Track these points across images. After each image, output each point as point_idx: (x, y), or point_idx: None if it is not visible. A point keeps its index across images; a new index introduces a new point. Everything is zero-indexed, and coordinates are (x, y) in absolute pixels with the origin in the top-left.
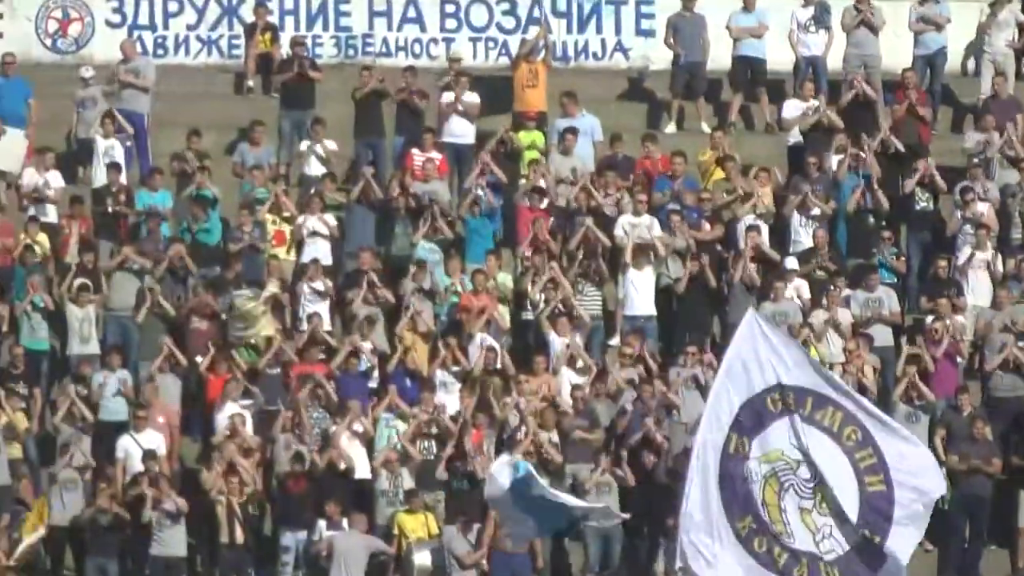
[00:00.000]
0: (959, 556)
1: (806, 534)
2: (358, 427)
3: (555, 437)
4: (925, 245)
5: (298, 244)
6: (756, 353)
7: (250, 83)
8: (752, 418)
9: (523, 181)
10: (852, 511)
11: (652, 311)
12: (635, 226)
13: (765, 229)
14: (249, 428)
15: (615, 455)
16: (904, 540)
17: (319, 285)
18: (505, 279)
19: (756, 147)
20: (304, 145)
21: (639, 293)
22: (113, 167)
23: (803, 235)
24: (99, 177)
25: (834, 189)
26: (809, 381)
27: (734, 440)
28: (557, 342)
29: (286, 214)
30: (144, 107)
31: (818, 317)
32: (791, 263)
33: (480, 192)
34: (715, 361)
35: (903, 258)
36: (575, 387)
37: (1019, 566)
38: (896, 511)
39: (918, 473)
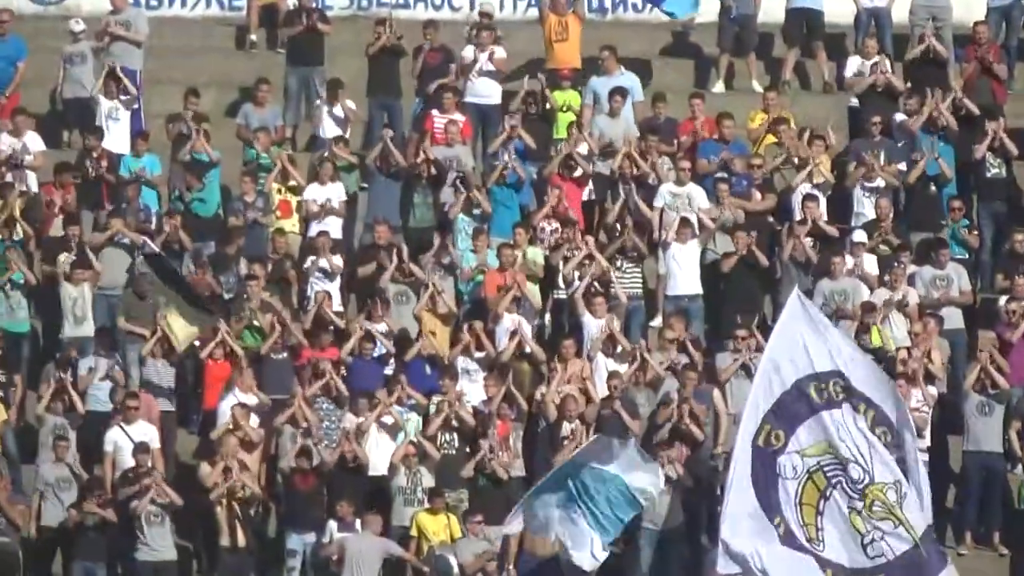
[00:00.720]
0: None
1: (851, 536)
2: (387, 419)
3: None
4: (999, 216)
5: (306, 217)
6: (802, 337)
7: (253, 37)
8: (793, 407)
9: (561, 146)
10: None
11: (698, 290)
12: (677, 196)
13: (823, 199)
14: (253, 420)
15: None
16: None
17: (326, 263)
18: (536, 255)
19: (813, 108)
20: (319, 104)
21: (683, 270)
22: (94, 130)
23: (867, 206)
24: (106, 141)
25: (908, 152)
26: (852, 370)
27: (766, 430)
28: (592, 324)
29: (292, 183)
30: (136, 63)
31: (880, 296)
32: (859, 236)
33: (505, 159)
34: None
35: (975, 231)
36: (612, 374)
37: None
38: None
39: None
